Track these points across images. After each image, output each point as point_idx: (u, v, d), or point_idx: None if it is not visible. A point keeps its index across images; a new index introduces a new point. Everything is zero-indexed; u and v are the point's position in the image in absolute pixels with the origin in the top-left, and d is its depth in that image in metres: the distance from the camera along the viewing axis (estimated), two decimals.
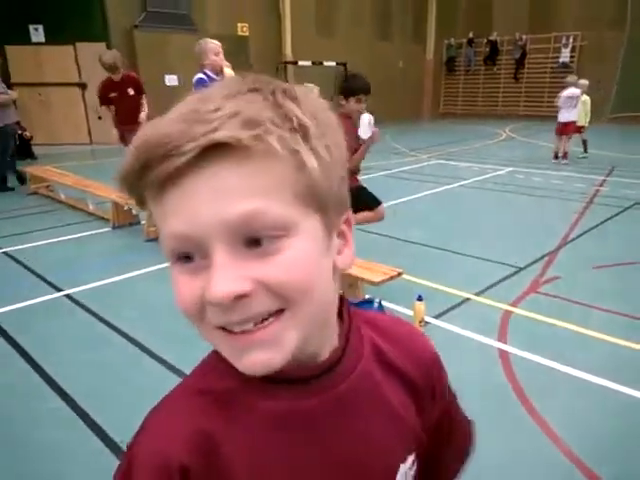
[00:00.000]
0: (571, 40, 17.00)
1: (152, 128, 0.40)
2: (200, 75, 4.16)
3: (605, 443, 2.18)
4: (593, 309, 3.34)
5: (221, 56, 4.02)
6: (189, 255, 0.42)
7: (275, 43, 14.94)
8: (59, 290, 3.82)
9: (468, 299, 3.57)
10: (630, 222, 5.53)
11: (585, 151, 9.48)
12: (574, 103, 8.63)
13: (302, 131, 0.41)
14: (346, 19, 16.39)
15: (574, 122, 8.79)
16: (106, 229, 5.40)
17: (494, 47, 19.08)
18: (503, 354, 2.85)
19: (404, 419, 0.55)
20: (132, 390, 2.51)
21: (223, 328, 0.42)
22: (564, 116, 8.77)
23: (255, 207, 0.39)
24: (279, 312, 0.42)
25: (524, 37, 18.06)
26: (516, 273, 4.02)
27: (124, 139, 5.48)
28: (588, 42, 16.63)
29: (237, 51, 13.98)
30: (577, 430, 2.24)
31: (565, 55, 17.13)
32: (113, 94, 5.35)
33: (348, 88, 3.52)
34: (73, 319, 3.39)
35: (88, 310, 3.48)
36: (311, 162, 0.41)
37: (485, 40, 19.09)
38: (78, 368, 2.76)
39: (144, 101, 5.77)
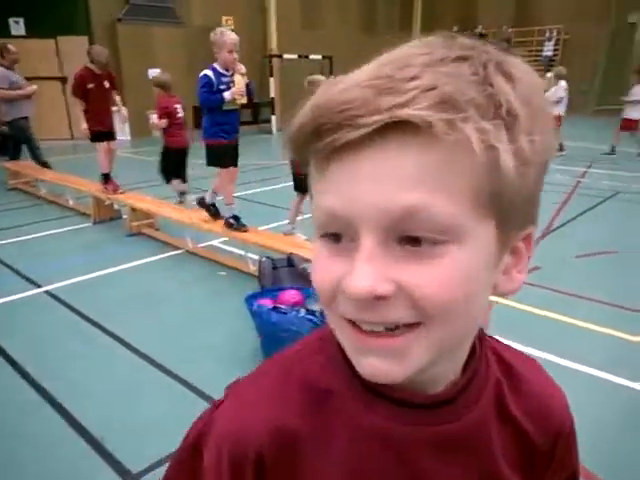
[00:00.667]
0: (555, 34, 17.11)
1: (337, 88, 0.35)
2: (207, 72, 3.68)
3: (589, 429, 2.21)
4: (574, 297, 3.38)
5: (235, 55, 3.68)
6: (338, 235, 0.38)
7: (260, 36, 14.83)
8: (38, 286, 3.77)
9: None
10: (611, 212, 5.60)
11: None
12: (558, 96, 8.57)
13: (509, 121, 0.34)
14: (331, 12, 16.31)
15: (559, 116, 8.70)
16: (87, 224, 5.33)
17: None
18: None
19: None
20: (112, 383, 2.49)
21: (351, 321, 0.38)
22: (558, 109, 8.53)
23: (424, 202, 0.34)
24: (414, 325, 0.37)
25: (509, 30, 18.14)
26: None
27: (95, 133, 5.36)
28: (571, 36, 16.76)
29: None
30: None
31: (549, 49, 17.23)
32: (91, 85, 5.25)
33: None
34: (53, 315, 3.35)
35: (68, 306, 3.44)
36: (508, 163, 0.34)
37: (471, 33, 19.13)
38: (59, 362, 2.73)
39: (117, 97, 5.78)
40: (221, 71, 3.70)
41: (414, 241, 0.35)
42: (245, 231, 3.98)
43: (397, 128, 0.33)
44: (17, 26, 11.73)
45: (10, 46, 6.57)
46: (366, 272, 0.35)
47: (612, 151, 8.82)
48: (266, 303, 2.72)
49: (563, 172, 7.59)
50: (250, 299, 2.79)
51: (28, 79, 11.65)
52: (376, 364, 0.38)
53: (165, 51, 12.66)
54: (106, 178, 5.30)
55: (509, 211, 0.37)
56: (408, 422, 0.44)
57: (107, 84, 5.44)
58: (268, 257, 3.41)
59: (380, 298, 0.35)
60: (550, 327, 3.08)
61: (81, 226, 5.31)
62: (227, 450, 0.44)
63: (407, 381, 0.40)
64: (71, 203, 5.93)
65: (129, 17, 12.17)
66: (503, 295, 0.42)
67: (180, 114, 5.52)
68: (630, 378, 2.53)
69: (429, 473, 0.45)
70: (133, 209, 4.88)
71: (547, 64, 15.72)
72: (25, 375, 2.63)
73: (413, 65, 0.34)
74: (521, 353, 0.55)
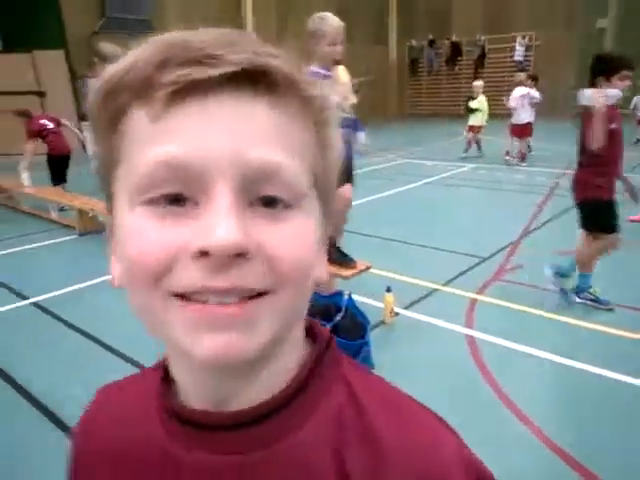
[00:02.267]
0: (526, 40, 17.54)
1: (191, 32, 0.34)
2: None
3: (575, 423, 2.30)
4: (555, 293, 3.48)
5: (339, 48, 2.74)
6: (178, 196, 0.32)
7: None
8: (25, 298, 3.74)
9: (436, 290, 3.66)
10: None
11: (479, 149, 9.85)
12: (526, 102, 8.43)
13: (331, 115, 0.37)
14: (307, 20, 16.50)
15: (530, 123, 8.61)
16: (72, 236, 5.31)
17: (456, 48, 19.51)
18: (470, 340, 2.94)
19: None
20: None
21: (186, 298, 0.32)
22: (521, 117, 8.47)
23: (279, 160, 0.32)
24: (265, 293, 0.33)
25: (482, 38, 18.55)
26: (480, 263, 4.15)
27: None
28: (542, 42, 17.21)
29: None
30: (546, 411, 2.35)
31: (519, 54, 17.65)
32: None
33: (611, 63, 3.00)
34: (40, 326, 3.33)
35: (56, 317, 3.42)
36: (338, 144, 0.38)
37: (447, 41, 19.52)
38: (47, 371, 2.73)
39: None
40: (321, 71, 2.68)
41: (270, 203, 0.33)
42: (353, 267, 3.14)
43: (249, 78, 0.31)
44: None
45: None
46: (230, 222, 0.30)
47: None
48: None
49: (542, 174, 7.80)
50: None
51: (5, 94, 11.59)
52: (223, 340, 0.32)
53: None
54: None
55: (327, 196, 0.39)
56: (199, 447, 0.37)
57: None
58: None
59: (242, 255, 0.31)
60: (530, 322, 3.17)
61: (66, 238, 5.28)
62: None
63: (211, 393, 0.37)
64: (53, 216, 5.88)
65: (105, 30, 12.15)
66: (320, 282, 0.40)
67: (50, 125, 6.60)
68: (624, 373, 2.63)
69: None
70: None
71: (520, 69, 16.12)
72: (15, 385, 2.62)
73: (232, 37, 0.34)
74: (388, 390, 0.41)
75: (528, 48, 17.65)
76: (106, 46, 4.61)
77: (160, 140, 0.31)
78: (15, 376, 2.71)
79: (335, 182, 0.40)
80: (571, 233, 4.71)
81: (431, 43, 19.88)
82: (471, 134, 9.46)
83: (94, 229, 5.37)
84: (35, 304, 3.65)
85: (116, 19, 12.20)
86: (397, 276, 3.84)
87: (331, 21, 2.81)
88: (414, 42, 20.27)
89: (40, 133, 6.45)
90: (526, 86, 8.45)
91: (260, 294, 0.33)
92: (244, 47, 0.31)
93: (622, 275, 3.78)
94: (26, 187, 6.25)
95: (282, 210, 0.33)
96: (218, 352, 0.32)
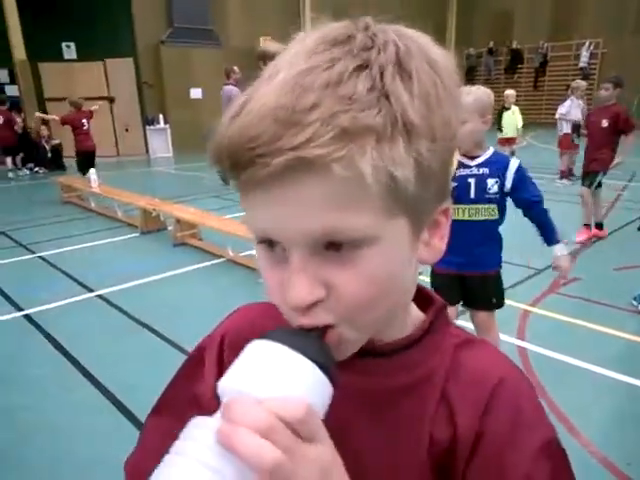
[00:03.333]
0: (592, 46, 16.86)
1: (243, 120, 0.37)
2: None
3: (627, 438, 2.23)
4: (612, 308, 3.36)
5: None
6: (271, 242, 0.41)
7: None
8: (91, 291, 4.01)
9: None
10: None
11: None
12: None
13: (405, 131, 0.37)
14: None
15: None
16: (135, 234, 5.61)
17: (516, 55, 19.02)
18: (522, 351, 2.89)
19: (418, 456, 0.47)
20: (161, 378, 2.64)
21: None
22: (562, 126, 7.86)
23: (336, 223, 0.37)
24: (338, 324, 0.41)
25: (545, 45, 18.00)
26: (535, 275, 4.06)
27: None
28: (609, 49, 16.49)
29: (260, 65, 14.28)
30: (598, 425, 2.29)
31: (584, 60, 16.98)
32: None
33: None
34: (105, 316, 3.56)
35: (118, 308, 3.65)
36: (408, 175, 0.37)
37: (506, 49, 19.08)
38: (110, 359, 2.92)
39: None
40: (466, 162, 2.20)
41: (336, 246, 0.38)
42: None
43: (303, 162, 0.35)
44: (69, 50, 12.46)
45: (235, 67, 7.36)
46: (298, 282, 0.38)
47: None
48: None
49: (604, 186, 7.48)
50: None
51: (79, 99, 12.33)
52: None
53: (205, 72, 13.15)
54: None
55: (417, 206, 0.40)
56: (346, 368, 0.44)
57: None
58: None
59: (313, 305, 0.39)
60: (586, 336, 3.08)
61: (129, 236, 5.59)
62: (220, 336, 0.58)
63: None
64: (120, 215, 6.24)
65: (172, 39, 12.73)
66: (425, 263, 0.45)
67: (86, 126, 7.98)
68: None
69: (353, 426, 0.47)
70: (178, 220, 5.11)
71: (584, 75, 15.54)
72: (86, 373, 2.82)
73: (312, 89, 0.35)
74: (493, 354, 0.52)
75: (592, 55, 16.97)
76: (272, 45, 4.59)
77: (248, 210, 0.41)
78: (85, 364, 2.92)
79: (432, 182, 0.40)
80: (631, 247, 4.52)
81: (490, 51, 19.49)
82: (506, 147, 8.59)
83: (155, 228, 5.65)
84: (100, 296, 3.91)
85: (182, 29, 12.75)
86: None
87: (485, 95, 2.29)
88: (472, 50, 19.94)
89: (73, 125, 7.86)
90: (576, 97, 7.69)
91: (335, 325, 0.40)
92: (292, 138, 0.34)
93: None
94: (94, 187, 6.65)
95: (349, 251, 0.38)
96: None
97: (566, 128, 7.75)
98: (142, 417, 2.36)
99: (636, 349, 2.92)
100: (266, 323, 0.43)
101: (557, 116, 7.92)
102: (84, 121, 7.94)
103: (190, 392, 0.55)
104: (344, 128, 0.35)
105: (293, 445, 0.32)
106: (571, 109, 7.65)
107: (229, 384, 0.35)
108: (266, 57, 3.88)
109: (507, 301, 3.57)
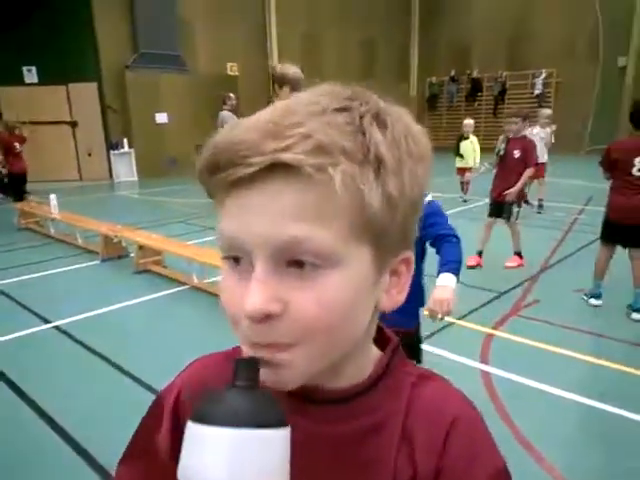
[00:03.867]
0: (544, 75, 17.70)
1: (230, 130, 0.41)
2: None
3: (588, 461, 2.25)
4: (573, 331, 3.44)
5: None
6: (237, 258, 0.42)
7: (264, 81, 15.38)
8: (48, 322, 3.85)
9: (452, 323, 3.65)
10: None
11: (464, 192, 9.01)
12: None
13: (376, 164, 0.39)
14: (331, 61, 16.95)
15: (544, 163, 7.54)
16: (95, 262, 5.45)
17: (476, 84, 19.76)
18: (485, 375, 2.92)
19: None
20: (118, 415, 2.53)
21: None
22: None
23: (303, 233, 0.38)
24: (292, 345, 0.41)
25: (504, 74, 18.78)
26: (497, 298, 4.13)
27: None
28: (563, 79, 17.33)
29: (227, 89, 14.35)
30: (559, 447, 2.31)
31: (538, 88, 17.79)
32: None
33: None
34: (62, 349, 3.42)
35: (77, 341, 3.51)
36: (375, 201, 0.39)
37: (467, 77, 19.82)
38: (65, 393, 2.79)
39: None
40: None
41: (298, 264, 0.39)
42: None
43: (280, 168, 0.38)
44: (30, 74, 12.23)
45: (232, 94, 7.81)
46: (258, 291, 0.39)
47: None
48: None
49: (561, 210, 7.76)
50: None
51: (39, 124, 12.14)
52: (263, 373, 0.41)
53: (171, 96, 13.12)
54: None
55: (382, 238, 0.42)
56: (306, 417, 0.47)
57: None
58: None
59: (269, 317, 0.39)
60: (547, 359, 3.13)
61: (89, 264, 5.42)
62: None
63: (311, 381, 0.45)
64: (80, 242, 6.06)
65: (137, 64, 12.67)
66: (382, 311, 0.47)
67: (18, 149, 8.58)
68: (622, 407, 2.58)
69: (315, 471, 0.47)
70: (140, 247, 5.00)
71: (539, 103, 16.28)
72: (35, 407, 2.68)
73: (299, 113, 0.40)
74: (443, 386, 0.54)
75: (546, 84, 17.80)
76: (290, 68, 4.21)
77: (224, 219, 0.42)
78: (39, 403, 2.78)
79: (398, 223, 0.42)
80: (589, 268, 4.67)
81: (452, 79, 20.20)
82: (465, 175, 8.83)
83: (116, 254, 5.51)
84: (57, 328, 3.75)
85: (148, 54, 12.71)
86: None
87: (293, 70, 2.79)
88: (434, 79, 20.62)
89: (6, 147, 8.51)
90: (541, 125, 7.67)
91: (290, 345, 0.41)
92: (273, 143, 0.38)
93: None
94: (54, 213, 6.47)
95: (311, 271, 0.39)
96: (266, 380, 0.41)
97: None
98: (98, 456, 2.26)
99: (597, 371, 2.99)
100: (216, 381, 0.44)
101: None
102: (16, 144, 8.56)
103: (153, 440, 0.55)
104: (321, 144, 0.38)
105: None
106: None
107: (181, 476, 0.37)
108: (284, 80, 3.78)
109: (469, 324, 3.64)
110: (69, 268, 5.29)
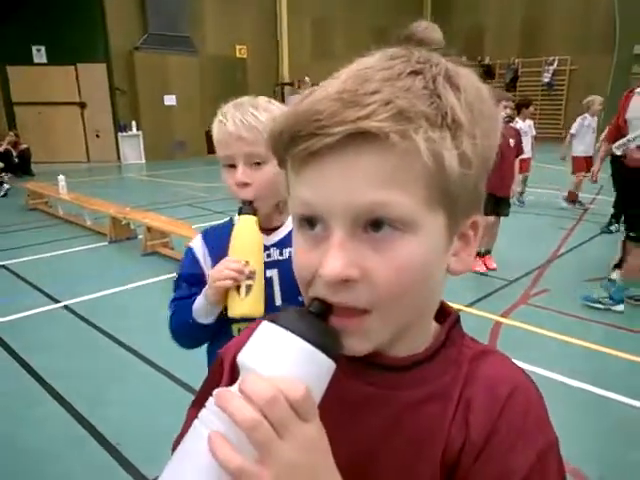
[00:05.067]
0: (555, 62, 17.41)
1: (310, 99, 0.41)
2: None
3: (597, 449, 2.25)
4: (582, 320, 3.41)
5: None
6: (312, 221, 0.43)
7: (272, 64, 15.24)
8: (57, 301, 3.87)
9: (459, 311, 3.63)
10: (618, 237, 5.63)
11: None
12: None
13: (454, 128, 0.40)
14: (342, 42, 16.75)
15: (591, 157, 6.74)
16: (103, 243, 5.46)
17: (488, 71, 19.49)
18: None
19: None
20: (128, 396, 2.55)
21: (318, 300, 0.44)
22: (579, 149, 6.89)
23: (384, 199, 0.39)
24: (367, 311, 0.42)
25: (516, 61, 18.49)
26: (506, 286, 4.10)
27: None
28: (578, 67, 17.04)
29: (235, 72, 14.26)
30: (568, 437, 2.29)
31: (547, 76, 17.50)
32: None
33: None
34: (71, 328, 3.44)
35: (85, 320, 3.53)
36: (454, 165, 0.40)
37: (477, 64, 19.55)
38: (75, 373, 2.81)
39: None
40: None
41: (376, 226, 0.40)
42: None
43: (359, 136, 0.38)
44: (39, 54, 12.18)
45: (307, 78, 7.43)
46: (337, 257, 0.40)
47: None
48: None
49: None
50: None
51: (49, 104, 12.11)
52: (344, 341, 0.43)
53: (179, 78, 13.04)
54: None
55: (456, 202, 0.42)
56: (364, 381, 0.49)
57: None
58: None
59: (347, 281, 0.41)
60: (556, 347, 3.12)
61: (97, 245, 5.44)
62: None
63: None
64: (88, 223, 6.08)
65: (146, 45, 12.59)
66: (454, 274, 0.47)
67: None
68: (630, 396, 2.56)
69: (369, 428, 0.49)
70: (148, 229, 5.00)
71: (549, 91, 16.10)
72: (46, 386, 2.70)
73: (372, 80, 0.40)
74: (506, 366, 0.53)
75: (556, 72, 17.51)
76: (438, 30, 4.03)
77: (301, 186, 0.43)
78: (50, 381, 2.80)
79: (471, 185, 0.43)
80: (600, 258, 4.63)
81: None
82: None
83: (125, 236, 5.52)
84: (66, 307, 3.78)
85: (157, 35, 12.61)
86: None
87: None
88: None
89: None
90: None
91: (367, 310, 0.42)
92: (354, 112, 0.38)
93: None
94: (62, 194, 6.48)
95: (388, 237, 0.41)
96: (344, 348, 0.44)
97: (576, 150, 6.91)
98: (107, 434, 2.28)
99: (606, 360, 2.96)
100: None
101: (568, 138, 7.09)
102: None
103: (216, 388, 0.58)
104: (401, 110, 0.38)
105: (288, 419, 0.37)
106: (581, 130, 6.76)
107: (242, 360, 0.41)
108: (428, 44, 3.64)
109: (478, 312, 3.62)
110: (78, 249, 5.31)
